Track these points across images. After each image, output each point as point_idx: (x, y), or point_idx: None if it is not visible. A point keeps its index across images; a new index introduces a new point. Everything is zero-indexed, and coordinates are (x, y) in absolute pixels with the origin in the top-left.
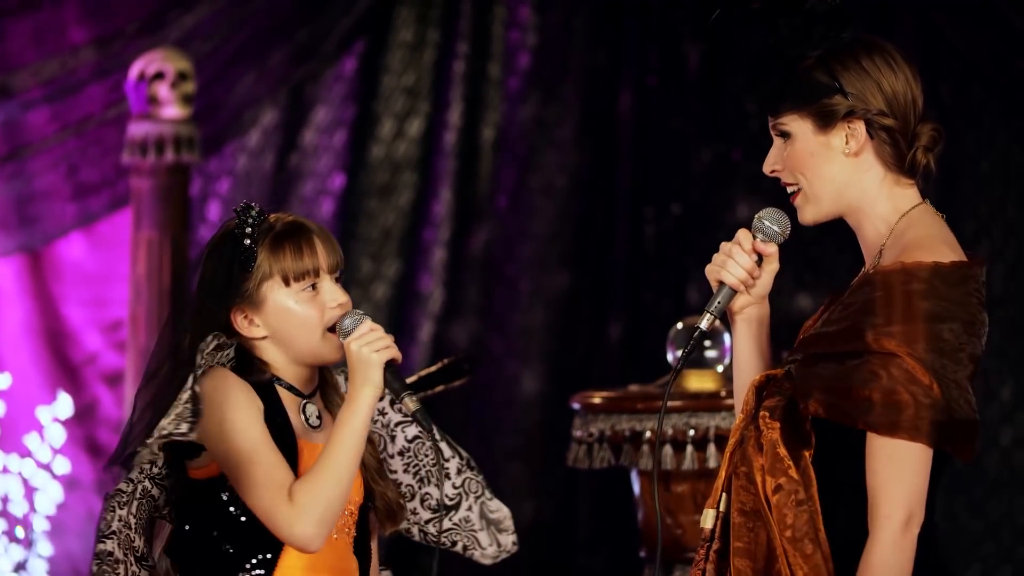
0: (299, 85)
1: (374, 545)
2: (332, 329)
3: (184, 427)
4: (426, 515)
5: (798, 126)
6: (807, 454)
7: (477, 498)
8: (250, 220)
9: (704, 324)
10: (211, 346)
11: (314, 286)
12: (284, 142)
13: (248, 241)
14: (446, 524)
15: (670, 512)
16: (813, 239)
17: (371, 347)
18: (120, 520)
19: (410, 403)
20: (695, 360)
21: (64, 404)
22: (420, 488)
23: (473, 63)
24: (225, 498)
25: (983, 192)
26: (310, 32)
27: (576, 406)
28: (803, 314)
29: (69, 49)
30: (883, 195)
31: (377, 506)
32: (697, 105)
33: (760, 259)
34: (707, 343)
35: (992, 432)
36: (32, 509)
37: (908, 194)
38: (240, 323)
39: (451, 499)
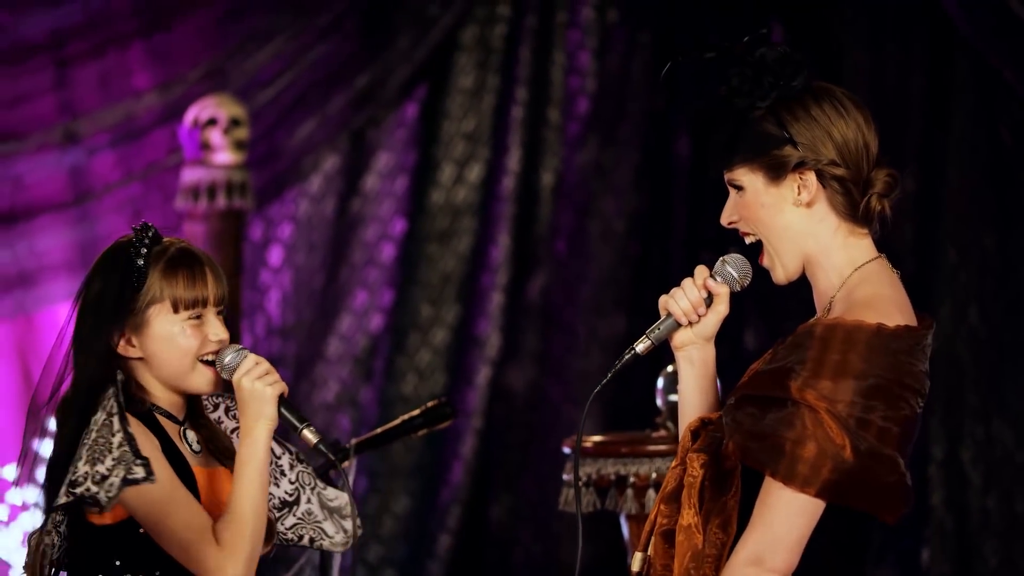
0: (361, 131)
1: None
2: (206, 362)
3: (140, 471)
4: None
5: (749, 179)
6: (730, 499)
7: (313, 489)
8: (146, 240)
9: (640, 347)
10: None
11: (199, 316)
12: (345, 187)
13: (141, 261)
14: (290, 520)
15: None
16: None
17: (263, 381)
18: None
19: (310, 435)
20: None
21: None
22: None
23: (532, 108)
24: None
25: None
26: (370, 78)
27: (567, 450)
28: None
29: (133, 95)
30: (837, 245)
31: None
32: None
33: (711, 299)
34: None
35: None
36: None
37: (863, 245)
38: (118, 342)
39: (290, 495)
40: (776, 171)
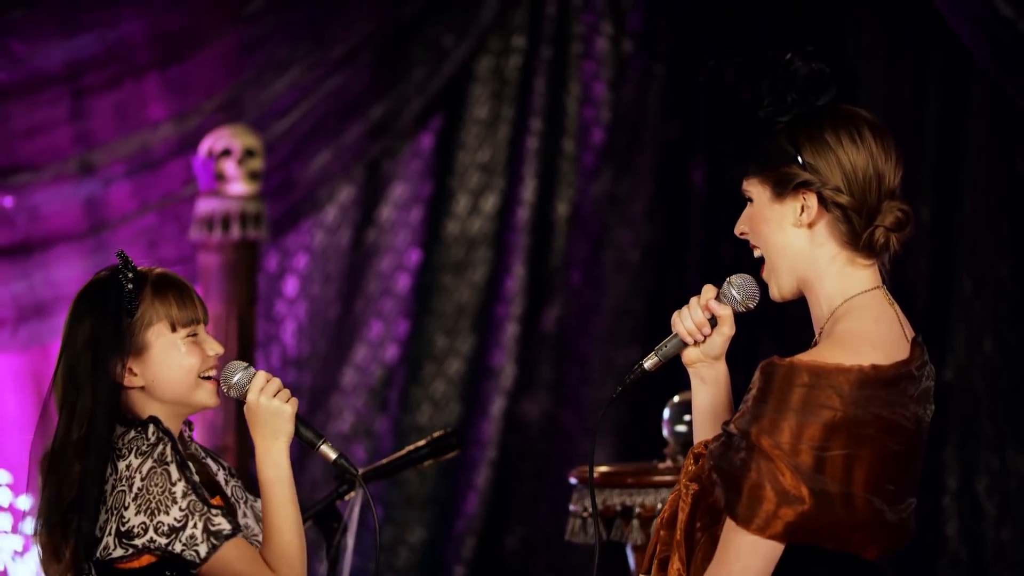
0: (376, 161)
1: None
2: (206, 377)
3: (225, 523)
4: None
5: (757, 191)
6: (719, 530)
7: (247, 503)
8: (130, 267)
9: (648, 363)
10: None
11: (195, 334)
12: (361, 218)
13: (131, 286)
14: None
15: None
16: None
17: (279, 398)
18: None
19: (328, 451)
20: None
21: None
22: None
23: (547, 139)
24: None
25: None
26: (386, 109)
27: (573, 480)
28: None
29: (148, 126)
30: (832, 273)
31: None
32: None
33: (715, 319)
34: None
35: None
36: None
37: (860, 275)
38: (122, 374)
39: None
40: (780, 187)
